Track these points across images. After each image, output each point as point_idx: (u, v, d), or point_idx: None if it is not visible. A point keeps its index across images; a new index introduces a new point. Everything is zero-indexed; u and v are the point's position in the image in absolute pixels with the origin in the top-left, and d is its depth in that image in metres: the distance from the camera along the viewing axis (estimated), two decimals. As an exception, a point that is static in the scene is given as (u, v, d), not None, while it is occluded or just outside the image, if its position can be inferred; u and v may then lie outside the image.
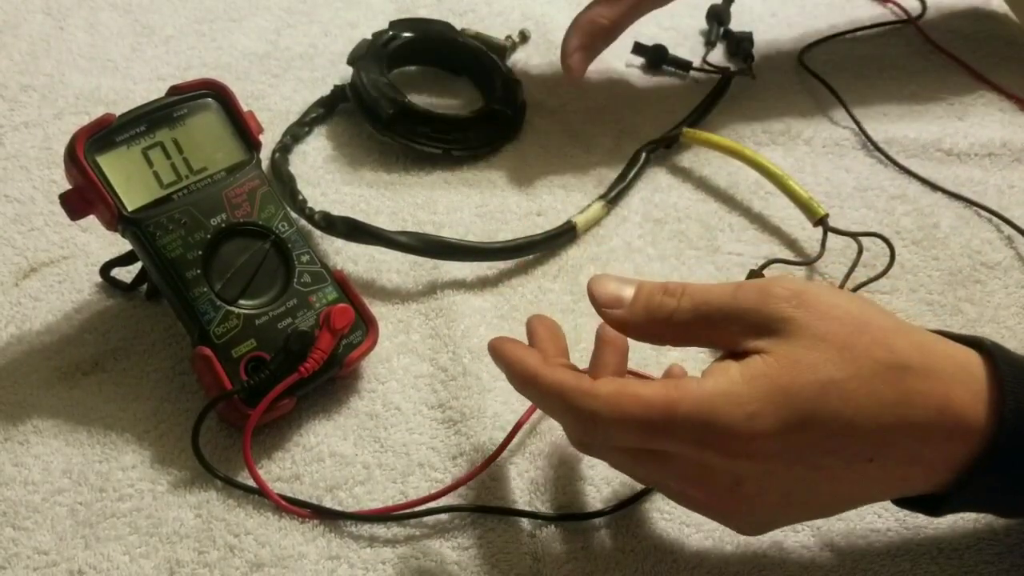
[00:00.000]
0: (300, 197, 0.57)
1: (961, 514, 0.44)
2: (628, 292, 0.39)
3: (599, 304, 0.40)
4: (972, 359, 0.38)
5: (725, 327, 0.37)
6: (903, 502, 0.41)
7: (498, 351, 0.41)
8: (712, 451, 0.35)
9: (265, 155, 0.60)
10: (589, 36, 0.63)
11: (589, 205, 0.59)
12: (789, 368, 0.35)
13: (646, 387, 0.36)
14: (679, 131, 0.63)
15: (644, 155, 0.62)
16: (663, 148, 0.64)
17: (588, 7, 0.63)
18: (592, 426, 0.37)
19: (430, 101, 0.66)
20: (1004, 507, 0.41)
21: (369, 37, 0.67)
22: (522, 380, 0.39)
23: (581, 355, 0.51)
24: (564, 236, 0.57)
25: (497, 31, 0.74)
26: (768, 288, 0.37)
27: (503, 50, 0.70)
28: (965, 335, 0.39)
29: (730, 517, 0.40)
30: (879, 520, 0.44)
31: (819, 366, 0.35)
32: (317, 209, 0.56)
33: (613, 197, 0.60)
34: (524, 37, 0.72)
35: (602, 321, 0.40)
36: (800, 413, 0.35)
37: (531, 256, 0.57)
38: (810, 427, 0.35)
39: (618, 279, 0.40)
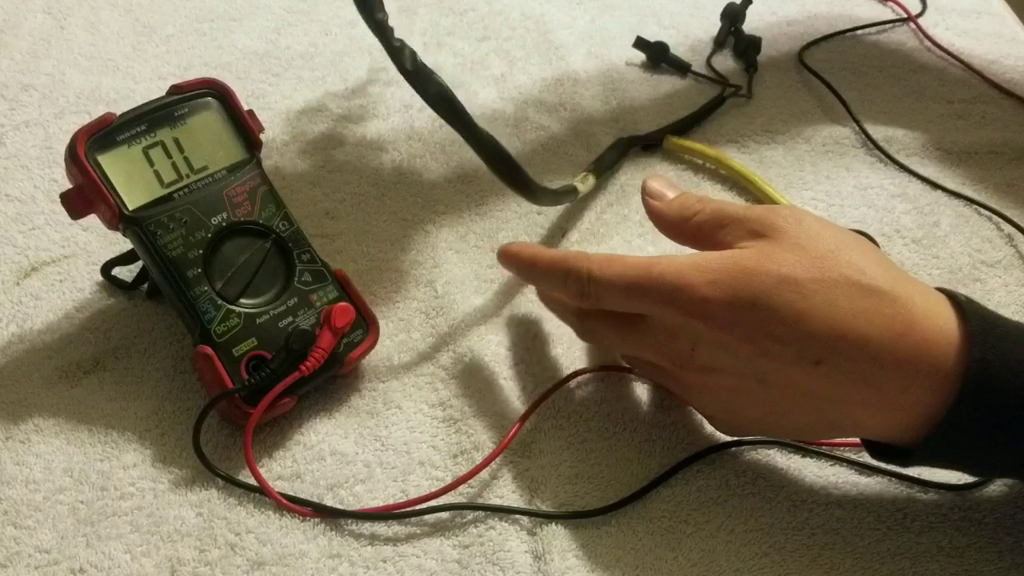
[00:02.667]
0: (380, 15, 0.46)
1: (963, 514, 0.44)
2: (671, 193, 0.46)
3: (647, 193, 0.47)
4: (944, 305, 0.39)
5: (731, 229, 0.42)
6: (878, 452, 0.42)
7: (503, 251, 0.48)
8: (673, 308, 0.40)
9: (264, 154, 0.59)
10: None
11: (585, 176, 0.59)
12: (758, 257, 0.40)
13: (633, 256, 0.43)
14: (662, 136, 0.64)
15: (625, 140, 0.63)
16: (641, 148, 0.64)
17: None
18: (587, 285, 0.43)
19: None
20: (970, 462, 0.41)
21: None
22: (528, 264, 0.47)
23: (581, 353, 0.51)
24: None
25: (497, 30, 0.74)
26: (776, 207, 0.43)
27: None
28: (942, 288, 0.41)
29: (696, 395, 0.44)
30: (879, 519, 0.44)
31: (786, 263, 0.39)
32: (408, 49, 0.46)
33: (600, 171, 0.60)
34: None
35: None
36: (753, 293, 0.39)
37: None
38: (760, 308, 0.39)
39: (669, 182, 0.47)
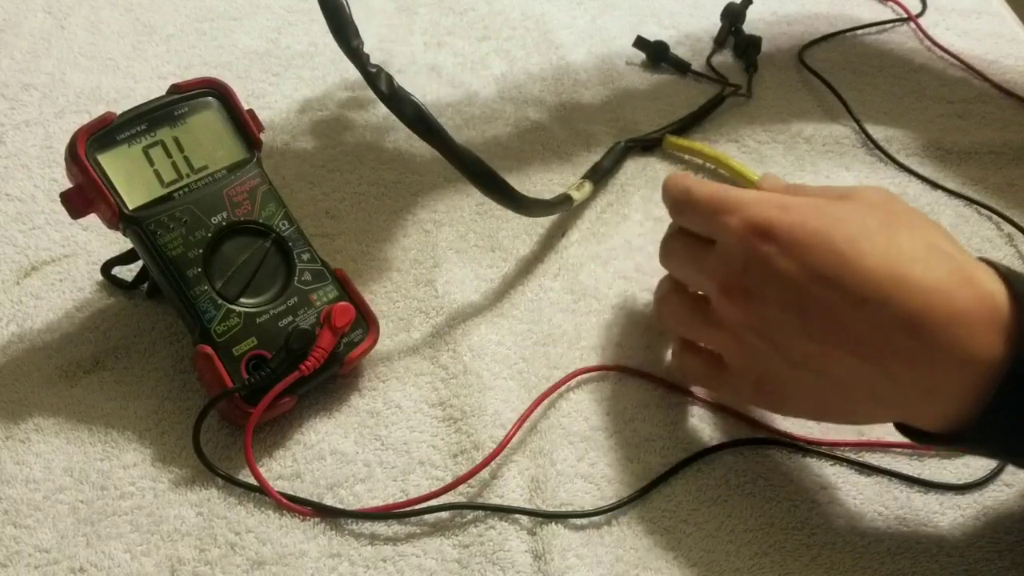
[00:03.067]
0: (356, 42, 0.47)
1: (962, 513, 0.44)
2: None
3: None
4: (1000, 291, 0.38)
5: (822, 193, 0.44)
6: (919, 436, 0.41)
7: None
8: (738, 221, 0.42)
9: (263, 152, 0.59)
10: None
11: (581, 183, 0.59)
12: (831, 202, 0.42)
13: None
14: (662, 135, 0.64)
15: (623, 145, 0.63)
16: (640, 149, 0.64)
17: None
18: (686, 198, 0.45)
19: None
20: (1015, 450, 0.39)
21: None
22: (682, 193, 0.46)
23: (581, 353, 0.51)
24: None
25: (497, 30, 0.74)
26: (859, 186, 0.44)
27: None
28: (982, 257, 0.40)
29: (727, 334, 0.43)
30: (879, 519, 0.44)
31: (858, 211, 0.41)
32: (384, 74, 0.48)
33: (597, 178, 0.60)
34: None
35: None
36: (818, 223, 0.40)
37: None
38: (820, 236, 0.39)
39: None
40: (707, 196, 0.44)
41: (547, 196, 0.60)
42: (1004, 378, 0.36)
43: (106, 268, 0.53)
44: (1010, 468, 0.46)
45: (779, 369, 0.42)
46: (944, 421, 0.39)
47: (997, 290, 0.37)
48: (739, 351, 0.43)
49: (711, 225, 0.44)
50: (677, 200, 0.46)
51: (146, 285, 0.53)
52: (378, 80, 0.47)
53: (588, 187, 0.59)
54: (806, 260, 0.39)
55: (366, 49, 0.47)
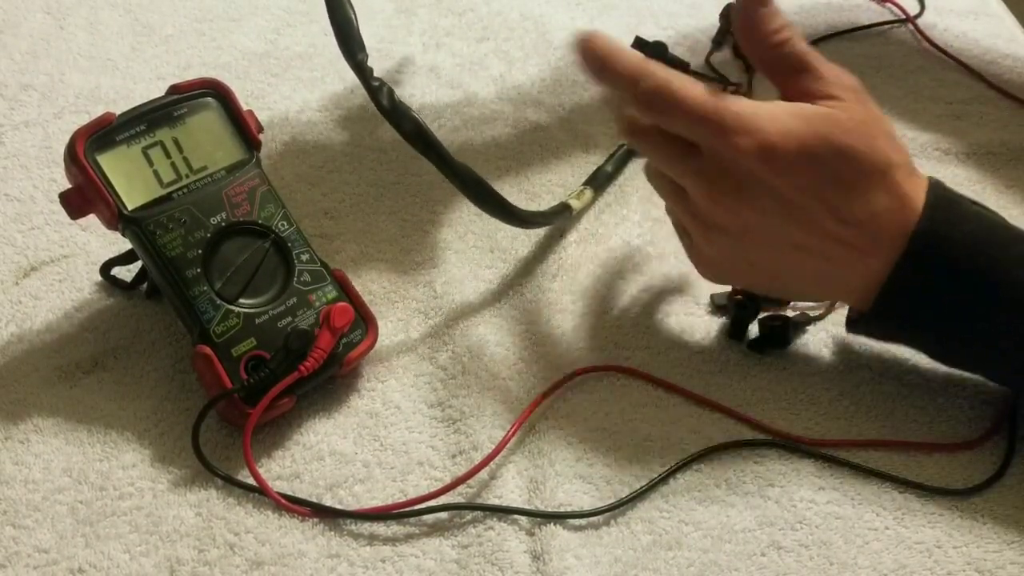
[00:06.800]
0: (361, 56, 0.50)
1: (961, 514, 0.44)
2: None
3: None
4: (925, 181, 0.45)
5: (807, 80, 0.44)
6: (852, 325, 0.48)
7: (581, 41, 0.45)
8: (737, 145, 0.42)
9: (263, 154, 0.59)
10: None
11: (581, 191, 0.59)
12: (826, 122, 0.43)
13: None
14: None
15: (625, 149, 0.63)
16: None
17: None
18: (657, 96, 0.43)
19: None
20: (918, 333, 0.46)
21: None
22: (604, 57, 0.44)
23: (580, 353, 0.51)
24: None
25: (495, 31, 0.74)
26: (839, 76, 0.45)
27: None
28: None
29: (709, 232, 0.46)
30: (877, 519, 0.44)
31: (848, 133, 0.43)
32: (386, 88, 0.50)
33: (598, 184, 0.60)
34: None
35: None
36: (825, 146, 0.43)
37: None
38: (823, 160, 0.42)
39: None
40: (700, 106, 0.42)
41: (546, 197, 0.61)
42: (910, 240, 0.43)
43: (105, 268, 0.53)
44: (1009, 472, 0.46)
45: (735, 255, 0.46)
46: (870, 296, 0.45)
47: (917, 195, 0.44)
48: (704, 238, 0.47)
49: (701, 135, 0.43)
50: (650, 96, 0.43)
51: (145, 286, 0.53)
52: (380, 94, 0.49)
53: (588, 194, 0.59)
54: (809, 184, 0.43)
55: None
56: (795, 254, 0.45)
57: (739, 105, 0.43)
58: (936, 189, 0.44)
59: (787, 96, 0.45)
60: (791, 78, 0.45)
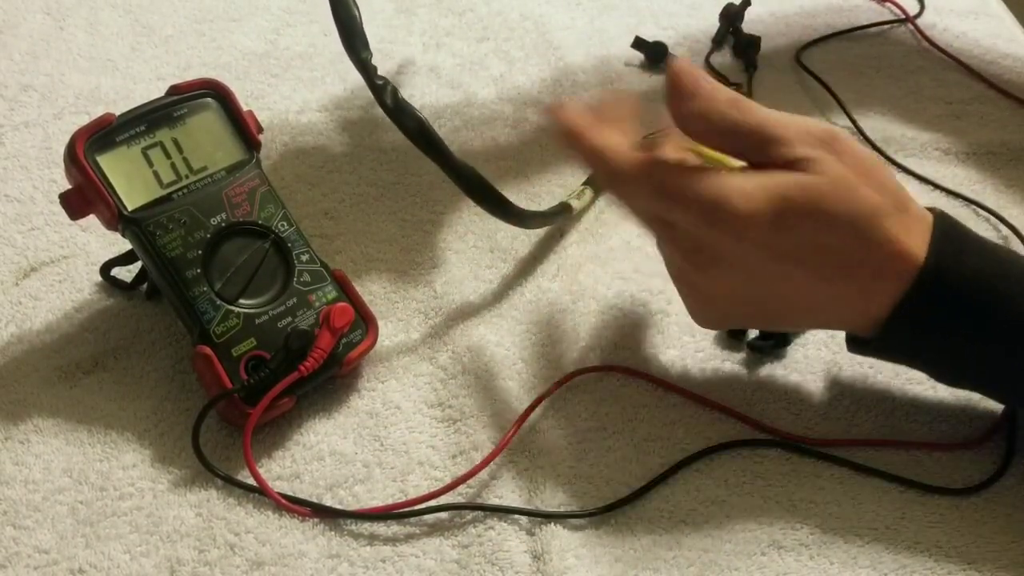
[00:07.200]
0: (365, 54, 0.50)
1: (961, 514, 0.44)
2: (704, 86, 0.43)
3: (678, 79, 0.43)
4: (927, 215, 0.43)
5: (774, 150, 0.42)
6: (855, 344, 0.46)
7: (556, 113, 0.45)
8: (709, 225, 0.41)
9: (263, 154, 0.59)
10: None
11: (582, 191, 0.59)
12: (801, 189, 0.41)
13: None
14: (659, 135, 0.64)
15: None
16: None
17: None
18: (620, 181, 0.43)
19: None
20: (926, 359, 0.45)
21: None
22: (567, 135, 0.44)
23: (580, 353, 0.51)
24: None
25: (496, 31, 0.74)
26: (813, 130, 0.42)
27: None
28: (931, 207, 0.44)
29: (695, 286, 0.45)
30: (877, 519, 0.44)
31: (826, 199, 0.41)
32: (390, 87, 0.50)
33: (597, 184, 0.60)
34: None
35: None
36: (802, 211, 0.41)
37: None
38: (803, 224, 0.41)
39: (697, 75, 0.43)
40: (665, 189, 0.42)
41: (546, 197, 0.61)
42: (918, 276, 0.41)
43: (105, 269, 0.53)
44: (1009, 471, 0.46)
45: (724, 306, 0.45)
46: (875, 324, 0.43)
47: (921, 230, 0.42)
48: (691, 296, 0.46)
49: (678, 221, 0.42)
50: (611, 179, 0.43)
51: (145, 286, 0.53)
52: (384, 93, 0.49)
53: (589, 194, 0.59)
54: (792, 255, 0.42)
55: (366, 50, 0.47)
56: (784, 303, 0.44)
57: (706, 183, 0.41)
58: (942, 223, 0.43)
59: (757, 166, 0.42)
60: (755, 152, 0.42)
